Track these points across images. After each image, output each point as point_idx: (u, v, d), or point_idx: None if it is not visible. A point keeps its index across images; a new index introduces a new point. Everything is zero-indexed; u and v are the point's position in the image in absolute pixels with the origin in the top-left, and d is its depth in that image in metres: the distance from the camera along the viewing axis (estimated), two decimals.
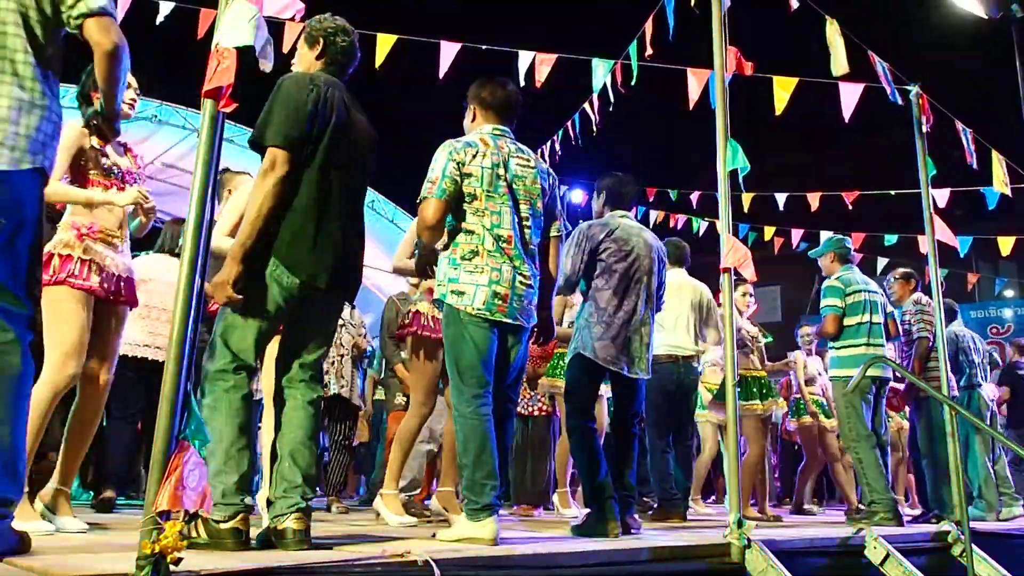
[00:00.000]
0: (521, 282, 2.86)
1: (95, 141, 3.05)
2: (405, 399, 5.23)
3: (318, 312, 2.54)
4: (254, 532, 2.32)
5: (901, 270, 5.61)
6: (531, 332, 3.00)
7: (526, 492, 5.30)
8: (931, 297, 4.63)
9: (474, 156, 2.86)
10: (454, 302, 2.79)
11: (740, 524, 2.77)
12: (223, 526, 2.18)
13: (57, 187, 2.85)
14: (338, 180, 2.50)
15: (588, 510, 3.39)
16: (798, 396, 6.48)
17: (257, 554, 2.09)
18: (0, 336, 1.96)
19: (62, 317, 2.77)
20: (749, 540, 2.72)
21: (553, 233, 3.09)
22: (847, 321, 4.74)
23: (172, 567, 1.59)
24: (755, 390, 5.45)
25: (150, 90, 9.90)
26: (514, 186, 2.90)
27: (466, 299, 2.77)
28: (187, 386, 1.84)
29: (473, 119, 3.07)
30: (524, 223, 2.93)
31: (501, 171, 2.88)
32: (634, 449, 3.64)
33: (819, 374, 6.63)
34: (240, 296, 2.30)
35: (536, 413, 5.33)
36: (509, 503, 5.26)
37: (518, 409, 5.20)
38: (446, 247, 2.89)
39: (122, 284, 3.03)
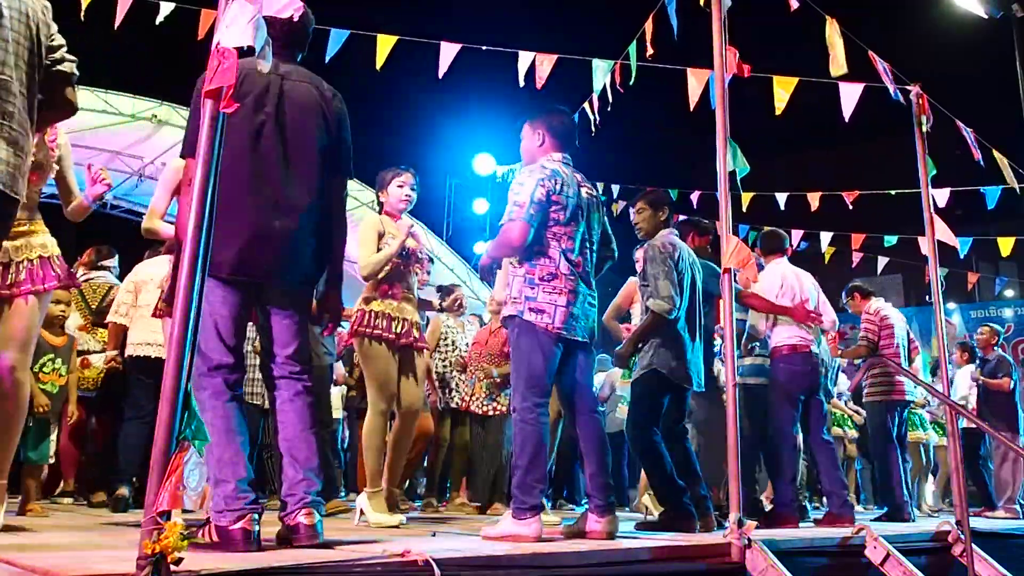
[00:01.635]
0: (589, 303, 3.10)
1: None
2: None
3: (276, 303, 2.48)
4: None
5: (848, 287, 5.88)
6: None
7: (477, 492, 5.33)
8: (931, 297, 4.63)
9: (561, 185, 3.03)
10: (532, 319, 2.96)
11: (740, 524, 2.77)
12: (231, 528, 2.19)
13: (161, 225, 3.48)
14: (245, 161, 2.37)
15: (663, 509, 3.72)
16: None
17: (258, 554, 2.09)
18: None
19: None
20: (749, 540, 2.72)
21: (606, 254, 3.32)
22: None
23: (173, 567, 1.59)
24: None
25: (150, 90, 9.92)
26: (584, 212, 3.11)
27: (546, 318, 2.96)
28: (187, 386, 1.84)
29: (541, 144, 3.18)
30: (591, 247, 3.17)
31: (575, 199, 3.08)
32: (690, 451, 3.92)
33: None
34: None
35: (492, 413, 5.31)
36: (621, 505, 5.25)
37: (474, 408, 5.28)
38: (520, 264, 3.04)
39: None
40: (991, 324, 7.40)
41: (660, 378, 3.75)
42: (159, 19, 4.70)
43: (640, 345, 3.81)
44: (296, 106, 2.49)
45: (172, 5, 4.76)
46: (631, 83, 4.94)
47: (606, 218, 3.32)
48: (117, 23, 4.55)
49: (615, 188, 8.36)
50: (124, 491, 4.15)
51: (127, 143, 10.36)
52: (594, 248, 3.19)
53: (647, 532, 3.46)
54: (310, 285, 2.59)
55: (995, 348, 7.04)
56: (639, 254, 4.02)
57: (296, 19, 2.57)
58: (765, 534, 3.03)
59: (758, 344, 4.91)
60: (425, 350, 3.89)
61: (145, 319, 4.37)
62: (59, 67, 2.37)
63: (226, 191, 2.32)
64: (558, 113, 3.24)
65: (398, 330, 3.69)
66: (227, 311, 2.36)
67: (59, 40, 2.40)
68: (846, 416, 8.11)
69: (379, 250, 3.72)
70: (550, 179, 3.01)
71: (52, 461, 4.31)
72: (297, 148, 2.47)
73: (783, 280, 4.75)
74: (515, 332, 3.01)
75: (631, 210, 4.14)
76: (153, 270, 4.49)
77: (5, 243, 2.81)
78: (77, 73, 2.43)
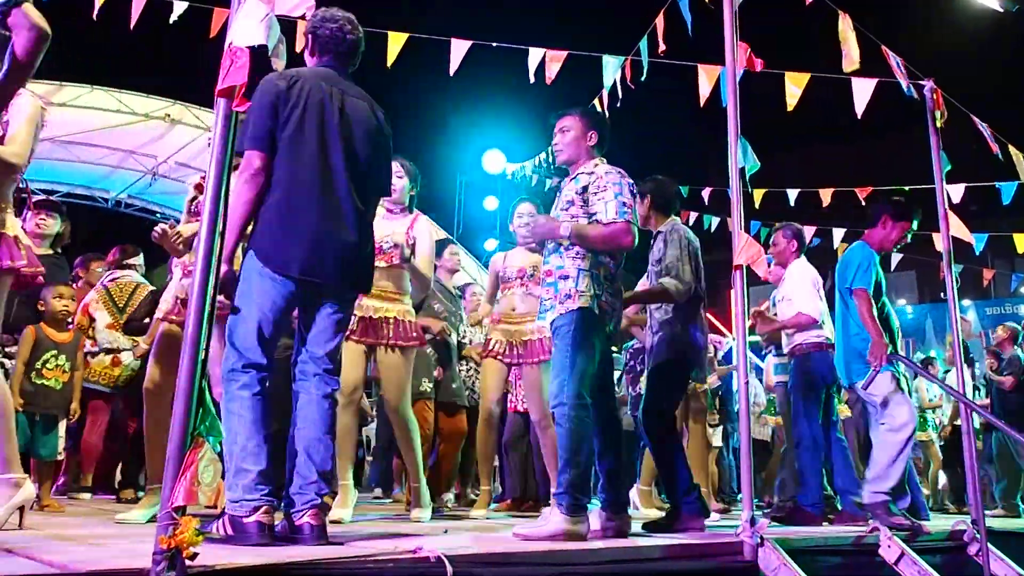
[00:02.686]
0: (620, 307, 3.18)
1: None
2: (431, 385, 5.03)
3: (324, 303, 2.53)
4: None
5: None
6: None
7: (514, 488, 5.31)
8: (945, 294, 4.60)
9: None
10: (601, 317, 2.99)
11: (753, 522, 2.76)
12: (247, 520, 2.21)
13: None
14: (313, 169, 2.45)
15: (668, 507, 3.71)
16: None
17: (272, 549, 2.10)
18: None
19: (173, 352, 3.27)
20: (762, 538, 2.71)
21: None
22: None
23: (188, 562, 1.60)
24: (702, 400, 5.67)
25: (163, 89, 9.99)
26: None
27: (607, 318, 3.03)
28: (202, 383, 1.86)
29: (594, 144, 3.20)
30: None
31: None
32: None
33: None
34: (227, 298, 2.39)
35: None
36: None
37: (521, 408, 5.27)
38: (583, 257, 3.02)
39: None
40: (1009, 323, 7.34)
41: (689, 364, 3.75)
42: (172, 18, 4.72)
43: (657, 331, 3.79)
44: (356, 123, 2.59)
45: (185, 4, 4.78)
46: (642, 79, 4.92)
47: None
48: (132, 24, 4.57)
49: None
50: None
51: (140, 142, 10.43)
52: None
53: (657, 532, 3.44)
54: (358, 291, 2.68)
55: (1016, 346, 6.97)
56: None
57: (346, 33, 2.66)
58: (778, 532, 3.03)
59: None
60: (399, 346, 3.72)
61: None
62: None
63: (297, 195, 2.41)
64: (604, 116, 3.30)
65: (366, 330, 3.71)
66: (275, 314, 2.41)
67: None
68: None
69: None
70: (633, 186, 3.09)
71: (61, 457, 4.33)
72: (355, 162, 2.57)
73: (813, 281, 4.72)
74: (577, 322, 2.94)
75: None
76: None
77: None
78: None
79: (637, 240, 3.03)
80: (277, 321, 2.42)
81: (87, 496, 4.89)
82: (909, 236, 4.32)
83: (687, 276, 3.65)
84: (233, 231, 2.36)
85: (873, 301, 3.93)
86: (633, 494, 5.25)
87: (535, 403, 4.12)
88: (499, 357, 4.25)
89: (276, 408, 2.44)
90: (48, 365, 3.94)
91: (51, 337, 3.98)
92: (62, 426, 4.08)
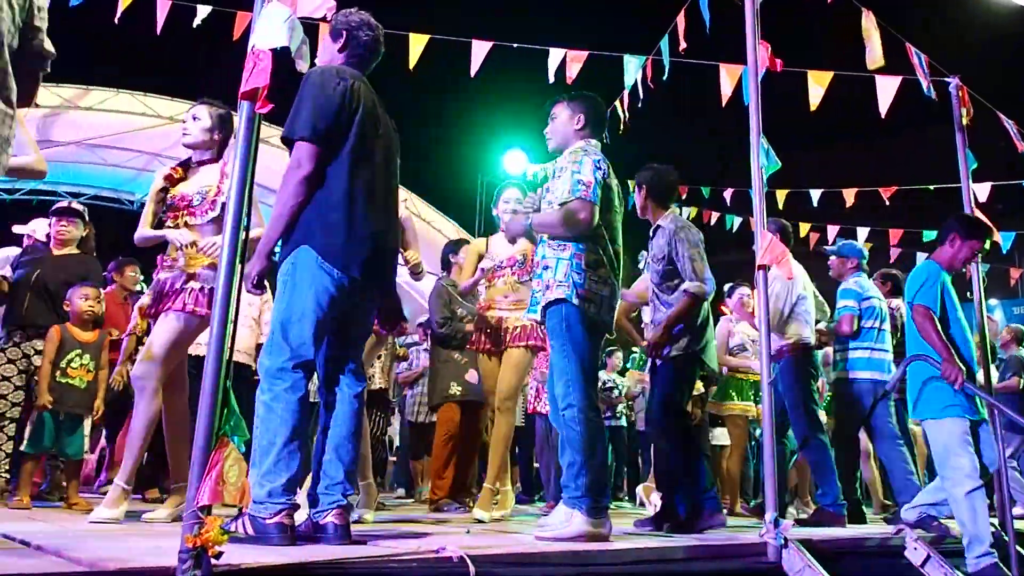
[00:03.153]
0: (619, 296, 3.08)
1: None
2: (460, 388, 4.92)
3: (359, 302, 2.56)
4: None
5: (879, 272, 5.62)
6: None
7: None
8: (972, 294, 4.54)
9: (608, 170, 3.03)
10: (584, 307, 2.90)
11: (777, 523, 2.73)
12: (268, 521, 2.22)
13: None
14: (369, 171, 2.51)
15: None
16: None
17: (295, 549, 2.12)
18: None
19: None
20: (786, 539, 2.69)
21: None
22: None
23: (213, 560, 1.62)
24: (750, 393, 5.56)
25: (188, 92, 10.11)
26: (620, 202, 3.12)
27: (593, 308, 2.92)
28: (226, 383, 1.88)
29: (581, 127, 3.14)
30: (621, 238, 3.15)
31: (616, 187, 3.08)
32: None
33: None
34: (263, 288, 2.40)
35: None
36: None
37: (540, 409, 5.26)
38: (563, 247, 2.95)
39: (163, 296, 3.21)
40: (1014, 324, 7.27)
41: (697, 361, 3.67)
42: (196, 22, 4.77)
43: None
44: (389, 127, 2.69)
45: (209, 8, 4.83)
46: (664, 79, 4.89)
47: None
48: (159, 28, 4.63)
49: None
50: None
51: (166, 145, 10.58)
52: (620, 241, 3.17)
53: (680, 532, 3.41)
54: (389, 291, 2.73)
55: (1020, 347, 6.89)
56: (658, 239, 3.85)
57: (380, 45, 2.72)
58: (802, 534, 3.00)
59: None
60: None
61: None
62: (46, 48, 1.99)
63: (359, 198, 2.45)
64: (595, 99, 3.22)
65: None
66: (331, 311, 2.42)
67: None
68: None
69: None
70: (603, 163, 3.00)
71: (88, 455, 4.39)
72: (393, 168, 2.68)
73: (779, 291, 4.59)
74: (564, 320, 2.89)
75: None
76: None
77: None
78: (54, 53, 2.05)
79: (596, 218, 2.90)
80: (333, 319, 2.42)
81: None
82: (980, 256, 3.94)
83: (703, 272, 3.63)
84: (279, 229, 2.39)
85: (937, 319, 3.59)
86: (654, 497, 5.21)
87: (505, 383, 3.99)
88: (489, 350, 4.17)
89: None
90: (73, 364, 4.01)
91: (76, 337, 4.05)
92: (87, 424, 4.14)
